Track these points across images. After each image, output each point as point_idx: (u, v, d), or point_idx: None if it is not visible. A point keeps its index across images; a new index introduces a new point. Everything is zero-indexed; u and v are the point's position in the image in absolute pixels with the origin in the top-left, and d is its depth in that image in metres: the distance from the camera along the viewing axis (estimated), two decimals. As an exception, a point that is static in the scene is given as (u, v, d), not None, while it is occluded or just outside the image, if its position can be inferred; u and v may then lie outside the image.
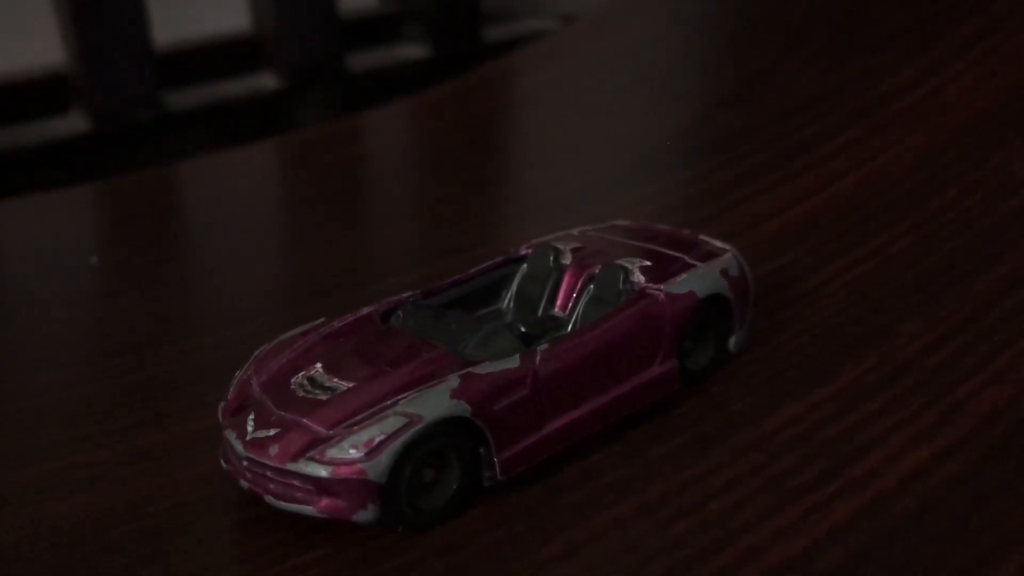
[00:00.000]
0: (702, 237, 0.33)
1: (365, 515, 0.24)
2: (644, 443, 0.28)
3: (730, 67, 0.60)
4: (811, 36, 0.59)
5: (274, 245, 0.48)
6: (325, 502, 0.24)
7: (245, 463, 0.25)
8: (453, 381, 0.25)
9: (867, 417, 0.29)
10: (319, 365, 0.26)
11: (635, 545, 0.24)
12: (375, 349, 0.27)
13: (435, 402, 0.24)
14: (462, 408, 0.24)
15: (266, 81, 0.66)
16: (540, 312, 0.31)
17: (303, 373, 0.26)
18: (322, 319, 0.29)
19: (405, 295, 0.30)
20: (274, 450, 0.24)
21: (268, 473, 0.24)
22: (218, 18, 0.64)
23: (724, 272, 0.31)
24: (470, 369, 0.25)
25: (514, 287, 0.32)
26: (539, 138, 0.58)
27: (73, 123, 0.59)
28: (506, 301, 0.32)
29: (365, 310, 0.29)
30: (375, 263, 0.43)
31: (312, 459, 0.24)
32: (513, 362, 0.26)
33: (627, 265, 0.30)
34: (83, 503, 0.27)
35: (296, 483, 0.24)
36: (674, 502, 0.26)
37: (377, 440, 0.24)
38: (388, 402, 0.24)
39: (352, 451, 0.23)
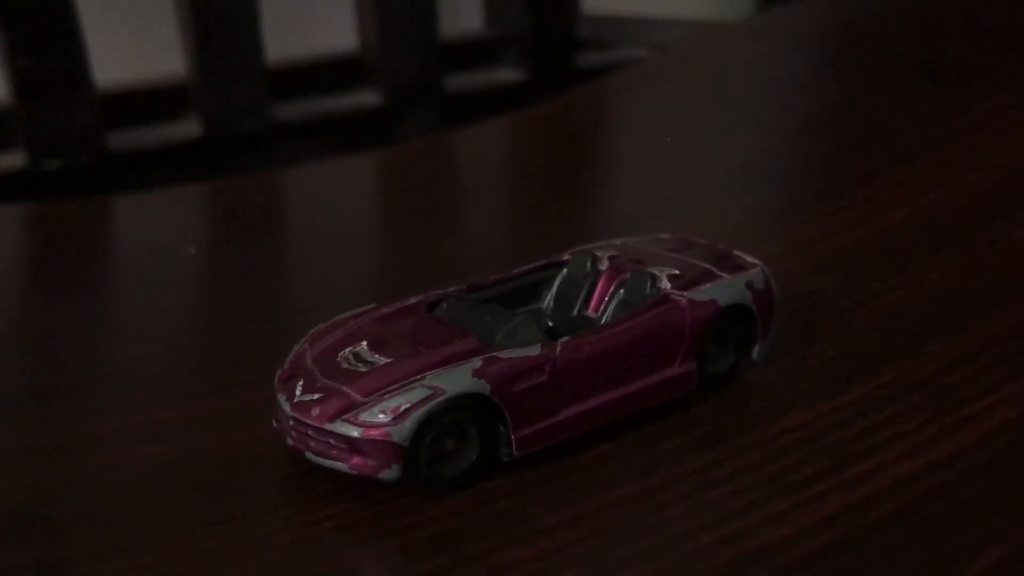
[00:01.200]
0: (736, 252, 0.35)
1: (389, 473, 0.27)
2: (657, 436, 0.30)
3: (808, 97, 0.62)
4: (889, 72, 0.61)
5: (361, 245, 0.51)
6: (356, 460, 0.27)
7: (291, 422, 0.28)
8: (476, 363, 0.28)
9: (873, 426, 0.30)
10: (364, 343, 0.30)
11: (632, 521, 0.27)
12: (415, 333, 0.30)
13: (458, 379, 0.27)
14: (482, 386, 0.27)
15: (368, 98, 0.70)
16: (575, 312, 0.34)
17: (350, 349, 0.29)
18: (373, 304, 0.32)
19: (451, 289, 0.33)
20: (315, 411, 0.27)
21: (309, 432, 0.27)
22: (327, 38, 0.69)
23: (749, 285, 0.33)
24: (494, 353, 0.28)
25: (554, 288, 0.35)
26: (620, 158, 0.61)
27: (188, 128, 0.64)
28: (547, 301, 0.35)
29: (413, 299, 0.32)
30: (455, 264, 0.46)
31: (347, 421, 0.27)
32: (534, 350, 0.29)
33: (655, 272, 0.32)
34: (154, 453, 0.30)
35: (332, 441, 0.27)
36: (674, 488, 0.28)
37: (403, 407, 0.27)
38: (418, 377, 0.27)
39: (381, 416, 0.27)
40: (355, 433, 0.27)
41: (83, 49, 0.59)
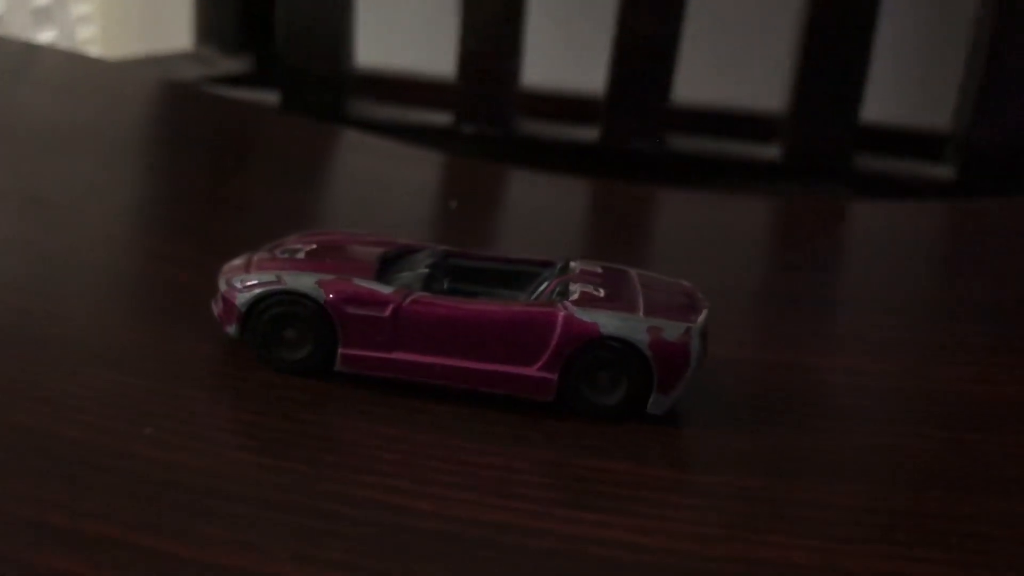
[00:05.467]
0: (704, 311, 0.33)
1: (231, 329, 0.33)
2: (491, 421, 0.32)
3: None
4: None
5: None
6: (218, 310, 0.34)
7: (223, 277, 0.36)
8: (329, 276, 0.32)
9: (667, 502, 0.28)
10: (313, 246, 0.36)
11: (363, 457, 0.29)
12: (346, 253, 0.35)
13: (303, 280, 0.32)
14: (318, 293, 0.32)
15: (769, 152, 0.71)
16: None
17: (300, 246, 0.36)
18: (371, 231, 0.38)
19: (441, 246, 0.37)
20: (224, 269, 0.35)
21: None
22: (754, 94, 0.72)
23: (654, 330, 0.32)
24: (353, 278, 0.32)
25: (535, 282, 0.37)
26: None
27: (587, 134, 0.72)
28: (529, 292, 0.37)
29: (404, 240, 0.37)
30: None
31: (226, 280, 0.34)
32: (386, 289, 0.32)
33: (572, 285, 0.33)
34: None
35: (221, 294, 0.34)
36: (435, 453, 0.30)
37: (250, 283, 0.33)
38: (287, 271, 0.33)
39: (238, 284, 0.33)
40: (222, 288, 0.33)
41: (520, 44, 0.70)
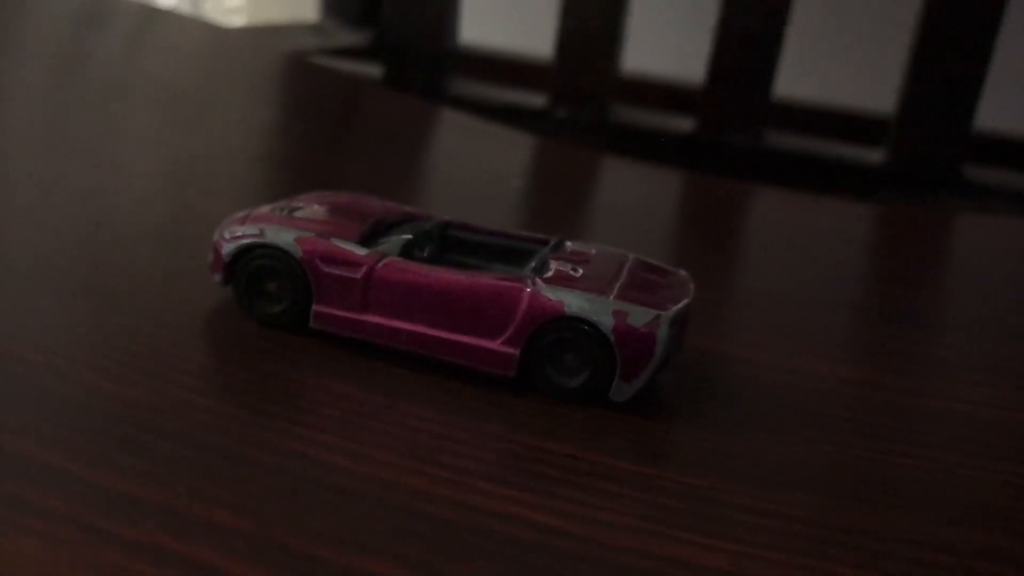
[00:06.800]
0: (684, 301, 0.32)
1: (216, 276, 0.34)
2: (437, 394, 0.32)
3: None
4: None
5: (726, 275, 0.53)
6: (211, 257, 0.35)
7: (224, 230, 0.37)
8: (308, 234, 0.33)
9: (583, 483, 0.28)
10: (314, 207, 0.36)
11: (309, 399, 0.30)
12: (347, 215, 0.36)
13: (282, 236, 0.33)
14: (295, 249, 0.33)
15: (873, 156, 0.67)
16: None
17: (307, 205, 0.36)
18: (385, 198, 0.38)
19: (444, 217, 0.37)
20: (224, 220, 0.36)
21: (218, 236, 0.36)
22: (861, 94, 0.68)
23: (619, 314, 0.31)
24: (333, 238, 0.33)
25: (532, 258, 0.36)
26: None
27: (683, 124, 0.71)
28: (525, 267, 0.36)
29: (409, 207, 0.37)
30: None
31: (220, 231, 0.35)
32: (361, 251, 0.32)
33: (551, 262, 0.33)
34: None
35: (213, 243, 0.35)
36: (375, 418, 0.30)
37: (237, 234, 0.33)
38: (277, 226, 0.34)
39: (227, 235, 0.34)
40: (215, 239, 0.34)
41: (621, 29, 0.69)
